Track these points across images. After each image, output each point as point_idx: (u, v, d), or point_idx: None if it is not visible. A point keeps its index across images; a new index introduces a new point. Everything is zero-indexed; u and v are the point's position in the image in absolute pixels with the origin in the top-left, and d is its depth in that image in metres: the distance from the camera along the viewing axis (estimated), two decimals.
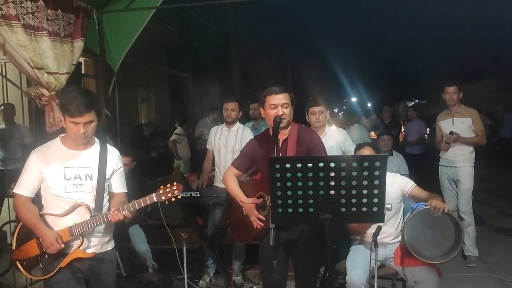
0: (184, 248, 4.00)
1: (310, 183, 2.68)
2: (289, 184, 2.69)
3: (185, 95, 15.04)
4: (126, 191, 3.41)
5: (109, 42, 6.29)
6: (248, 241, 3.75)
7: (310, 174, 2.66)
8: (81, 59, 10.34)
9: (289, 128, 3.61)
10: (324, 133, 5.35)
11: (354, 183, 2.66)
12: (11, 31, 4.66)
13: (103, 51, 6.29)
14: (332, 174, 2.65)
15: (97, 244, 3.24)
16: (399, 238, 4.07)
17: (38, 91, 4.99)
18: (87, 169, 3.18)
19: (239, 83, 16.13)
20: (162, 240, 5.36)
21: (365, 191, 2.68)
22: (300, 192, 2.71)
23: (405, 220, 3.88)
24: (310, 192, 2.71)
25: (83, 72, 10.80)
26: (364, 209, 2.72)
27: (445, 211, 3.71)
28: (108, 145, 3.34)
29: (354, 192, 2.68)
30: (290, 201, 2.74)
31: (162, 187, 3.14)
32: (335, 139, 5.32)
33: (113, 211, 3.10)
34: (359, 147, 4.38)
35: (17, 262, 3.25)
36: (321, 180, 2.67)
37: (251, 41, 18.93)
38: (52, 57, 5.14)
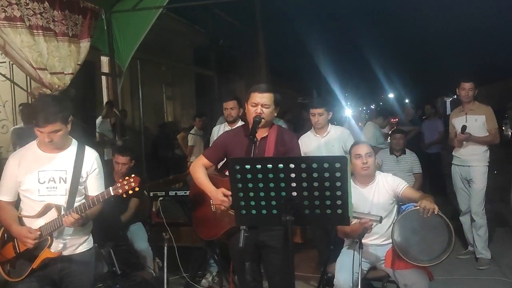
0: (165, 247, 4.01)
1: (272, 185, 2.63)
2: (250, 185, 2.65)
3: (211, 93, 15.10)
4: None
5: (117, 41, 6.40)
6: (215, 239, 3.73)
7: (271, 175, 2.61)
8: (105, 58, 10.53)
9: (268, 128, 3.57)
10: (326, 132, 5.28)
11: (315, 184, 2.59)
12: (14, 32, 4.79)
13: (112, 51, 6.39)
14: (293, 175, 2.59)
15: (71, 245, 3.24)
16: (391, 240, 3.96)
17: (41, 91, 5.11)
18: (61, 172, 3.19)
19: (267, 81, 16.07)
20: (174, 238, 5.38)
21: (327, 193, 2.60)
22: (262, 194, 2.66)
23: (393, 221, 3.78)
24: (272, 194, 2.65)
25: (107, 71, 10.98)
26: (329, 211, 2.65)
27: (435, 212, 3.58)
28: (87, 146, 3.35)
29: (316, 193, 2.61)
30: (253, 203, 2.70)
31: (120, 180, 3.12)
32: (337, 138, 5.24)
33: (64, 215, 3.08)
34: (354, 145, 4.29)
35: None
36: (282, 181, 2.61)
37: (280, 37, 18.82)
38: (58, 57, 5.26)
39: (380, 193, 4.07)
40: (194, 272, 5.36)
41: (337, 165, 2.53)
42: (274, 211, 2.70)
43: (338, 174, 2.55)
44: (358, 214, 3.78)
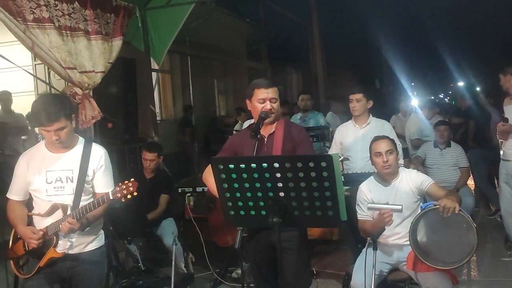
0: (174, 246, 3.98)
1: (257, 185, 2.52)
2: (236, 185, 2.55)
3: None
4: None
5: (152, 38, 6.43)
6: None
7: (256, 175, 2.49)
8: None
9: (275, 123, 3.43)
10: (366, 123, 5.01)
11: (302, 184, 2.45)
12: (43, 33, 4.90)
13: (147, 48, 6.44)
14: (278, 175, 2.46)
15: (79, 243, 3.25)
16: None
17: (72, 90, 5.23)
18: (68, 171, 3.20)
19: (322, 73, 15.78)
20: (203, 234, 5.38)
21: (316, 194, 2.45)
22: (249, 194, 2.56)
23: (412, 221, 3.55)
24: (259, 194, 2.54)
25: (156, 67, 11.16)
26: (319, 212, 2.51)
27: (456, 212, 3.32)
28: (94, 144, 3.36)
29: (304, 194, 2.47)
30: (240, 203, 2.60)
31: (120, 184, 3.08)
32: (378, 131, 4.95)
33: (62, 223, 3.06)
34: (373, 141, 4.05)
35: (12, 261, 3.39)
36: (268, 181, 2.49)
37: (337, 27, 18.47)
38: (88, 56, 5.35)
39: (403, 191, 3.84)
40: (224, 268, 5.33)
41: (323, 164, 2.38)
42: (263, 212, 2.60)
43: (325, 174, 2.40)
44: (375, 205, 3.60)
